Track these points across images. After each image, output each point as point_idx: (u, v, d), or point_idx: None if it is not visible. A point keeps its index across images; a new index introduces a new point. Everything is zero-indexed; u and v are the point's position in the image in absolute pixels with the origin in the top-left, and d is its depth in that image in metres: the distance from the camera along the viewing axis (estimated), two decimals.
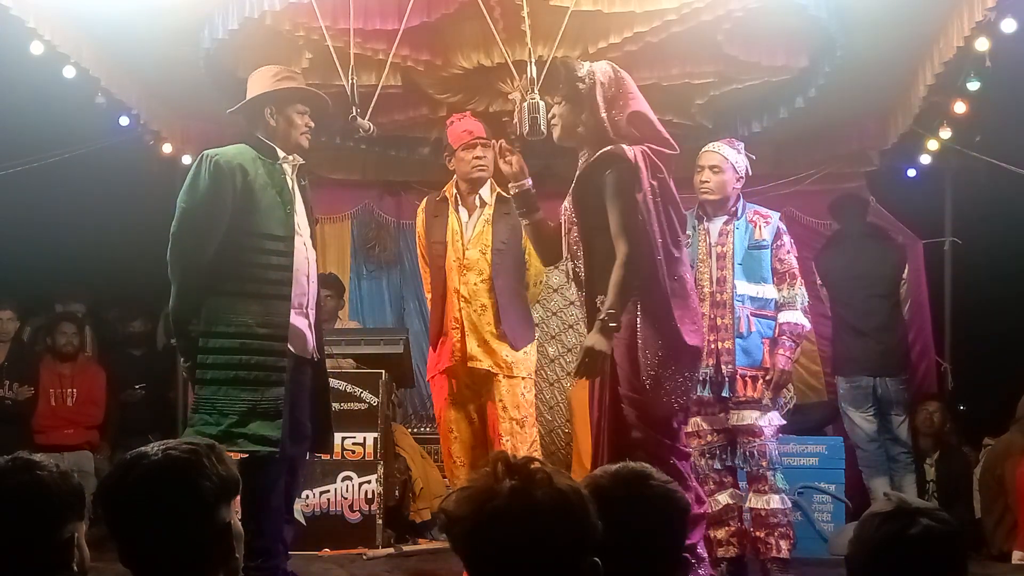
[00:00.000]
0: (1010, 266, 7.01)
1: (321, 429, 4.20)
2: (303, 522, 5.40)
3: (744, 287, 4.66)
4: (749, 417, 4.60)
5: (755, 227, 4.74)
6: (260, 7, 4.74)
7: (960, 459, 6.51)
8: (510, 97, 4.81)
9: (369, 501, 5.55)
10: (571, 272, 3.80)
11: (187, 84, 5.82)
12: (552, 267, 5.08)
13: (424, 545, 5.70)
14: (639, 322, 3.53)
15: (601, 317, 3.46)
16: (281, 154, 4.08)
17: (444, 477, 5.74)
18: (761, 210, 4.83)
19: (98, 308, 7.61)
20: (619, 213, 3.54)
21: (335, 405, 4.86)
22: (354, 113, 4.25)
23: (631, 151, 3.57)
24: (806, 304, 4.78)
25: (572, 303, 6.79)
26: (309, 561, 4.95)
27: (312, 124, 4.18)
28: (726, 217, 4.76)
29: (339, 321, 6.66)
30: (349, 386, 5.63)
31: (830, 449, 6.07)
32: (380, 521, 5.54)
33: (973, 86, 5.51)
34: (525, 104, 3.82)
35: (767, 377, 4.62)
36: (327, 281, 6.18)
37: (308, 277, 4.10)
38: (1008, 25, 4.81)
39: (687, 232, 4.09)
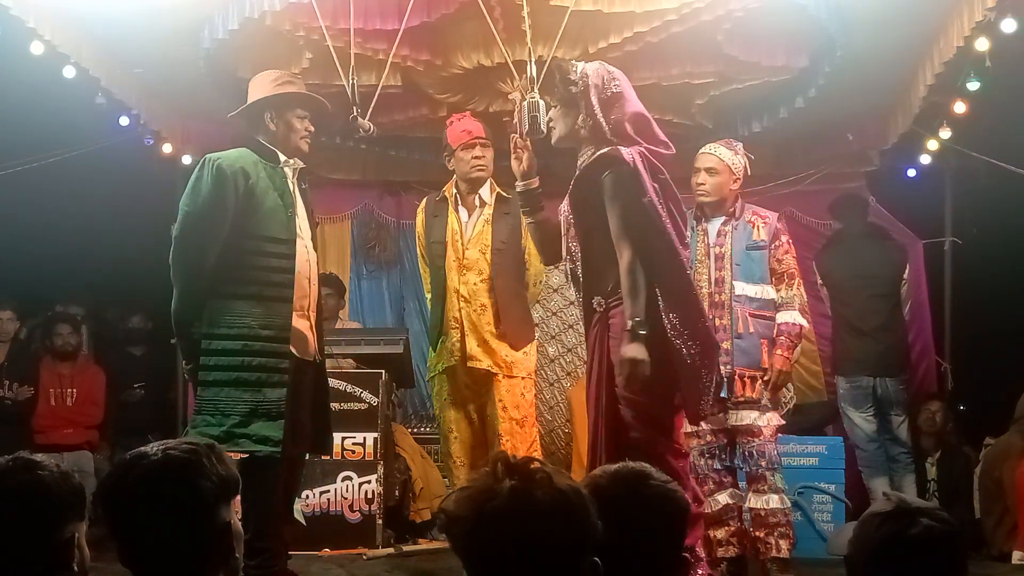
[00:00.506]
0: (1010, 266, 7.01)
1: (321, 430, 4.21)
2: (303, 522, 5.41)
3: (742, 288, 4.66)
4: (748, 417, 4.60)
5: (753, 228, 4.74)
6: (260, 7, 4.74)
7: (961, 459, 6.50)
8: (510, 97, 4.80)
9: (369, 501, 5.55)
10: (570, 272, 3.81)
11: (187, 84, 5.82)
12: (552, 267, 5.09)
13: (424, 545, 5.70)
14: (669, 322, 3.52)
15: (629, 327, 3.46)
16: (282, 158, 4.11)
17: (444, 477, 5.74)
18: (759, 211, 4.83)
19: (98, 308, 7.61)
20: (618, 216, 3.55)
21: (335, 405, 4.88)
22: (354, 113, 4.27)
23: (628, 153, 3.56)
24: (804, 304, 4.78)
25: (572, 303, 6.78)
26: (309, 561, 4.95)
27: (312, 128, 4.20)
28: (724, 218, 4.76)
29: (339, 321, 6.66)
30: (349, 386, 5.62)
31: (830, 449, 6.07)
32: (380, 521, 5.53)
33: (973, 86, 5.51)
34: (525, 104, 3.82)
35: (766, 378, 4.62)
36: (327, 279, 6.19)
37: (309, 280, 4.13)
38: (1008, 25, 4.81)
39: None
